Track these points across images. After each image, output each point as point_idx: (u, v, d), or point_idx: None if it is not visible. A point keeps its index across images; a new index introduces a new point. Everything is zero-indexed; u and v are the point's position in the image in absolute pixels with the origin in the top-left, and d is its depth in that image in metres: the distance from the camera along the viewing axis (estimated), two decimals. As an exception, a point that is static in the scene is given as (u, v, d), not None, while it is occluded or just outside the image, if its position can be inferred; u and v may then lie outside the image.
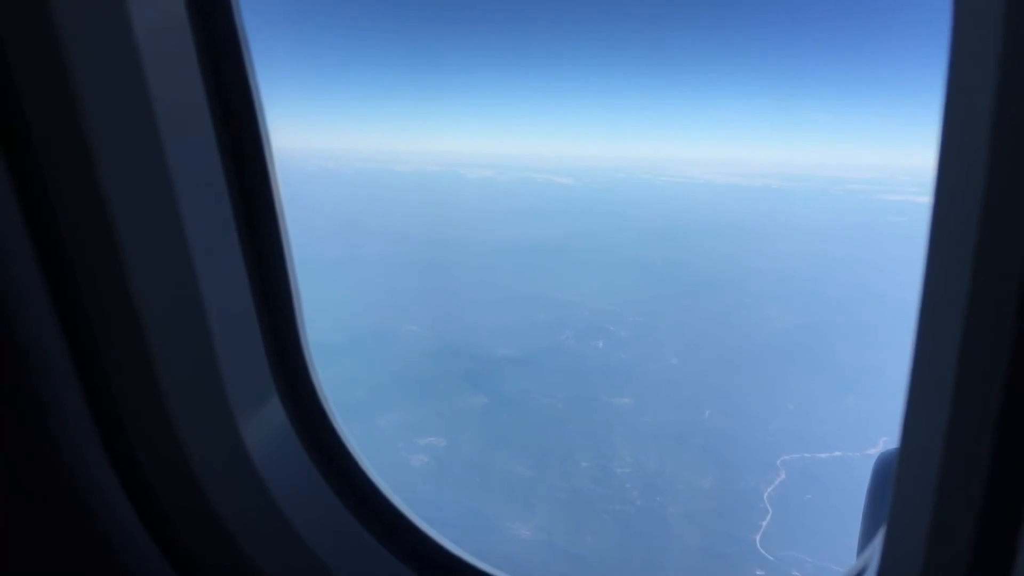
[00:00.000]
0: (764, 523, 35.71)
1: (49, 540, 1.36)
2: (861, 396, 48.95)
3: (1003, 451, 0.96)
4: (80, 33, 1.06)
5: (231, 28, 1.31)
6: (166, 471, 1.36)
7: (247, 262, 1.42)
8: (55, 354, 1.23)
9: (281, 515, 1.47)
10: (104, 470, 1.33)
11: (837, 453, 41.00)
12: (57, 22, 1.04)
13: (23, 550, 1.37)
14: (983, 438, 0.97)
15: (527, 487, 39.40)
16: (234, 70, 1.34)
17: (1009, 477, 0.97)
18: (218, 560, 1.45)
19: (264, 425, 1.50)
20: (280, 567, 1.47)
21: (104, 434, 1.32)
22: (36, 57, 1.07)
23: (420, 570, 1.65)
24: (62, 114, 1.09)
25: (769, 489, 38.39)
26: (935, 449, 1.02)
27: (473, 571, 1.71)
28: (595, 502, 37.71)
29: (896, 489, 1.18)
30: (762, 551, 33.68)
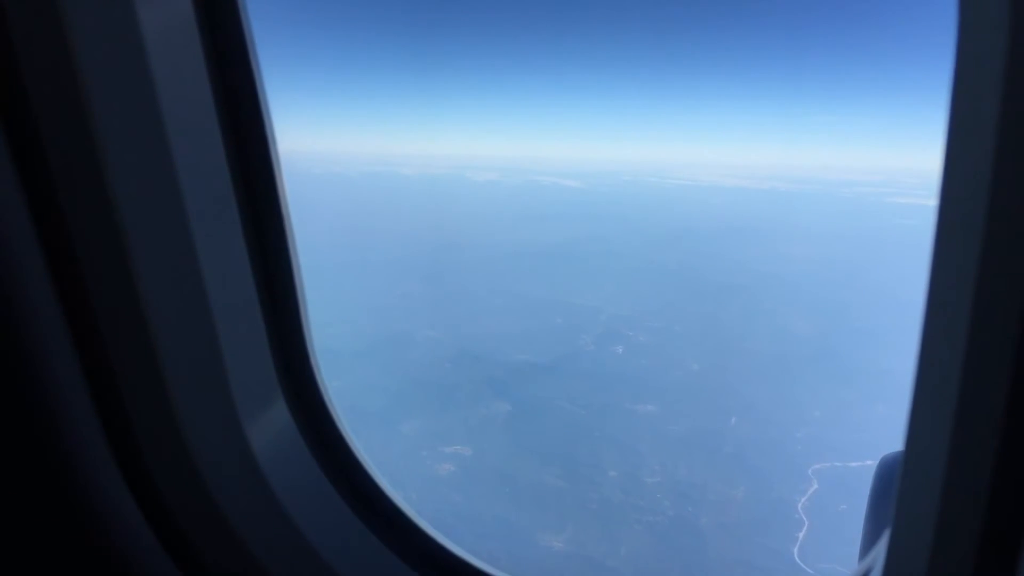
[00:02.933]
0: (800, 534, 35.12)
1: (54, 540, 1.35)
2: (889, 403, 48.29)
3: (1007, 454, 0.96)
4: (88, 34, 1.07)
5: (238, 29, 1.31)
6: (172, 471, 1.36)
7: (253, 263, 1.42)
8: (61, 354, 1.23)
9: (286, 516, 1.47)
10: (110, 471, 1.33)
11: (869, 462, 40.26)
12: (66, 23, 1.05)
13: (28, 550, 1.37)
14: (988, 441, 0.97)
15: (557, 497, 38.88)
16: (241, 71, 1.33)
17: (1014, 480, 0.97)
18: (223, 560, 1.44)
19: (269, 427, 1.49)
20: (284, 568, 1.47)
21: (110, 435, 1.32)
22: (45, 57, 1.08)
23: (423, 571, 1.63)
24: (70, 115, 1.10)
25: (803, 499, 37.80)
26: (940, 452, 1.01)
27: (476, 572, 1.69)
28: (627, 512, 37.15)
29: (900, 492, 1.17)
30: (800, 564, 33.08)
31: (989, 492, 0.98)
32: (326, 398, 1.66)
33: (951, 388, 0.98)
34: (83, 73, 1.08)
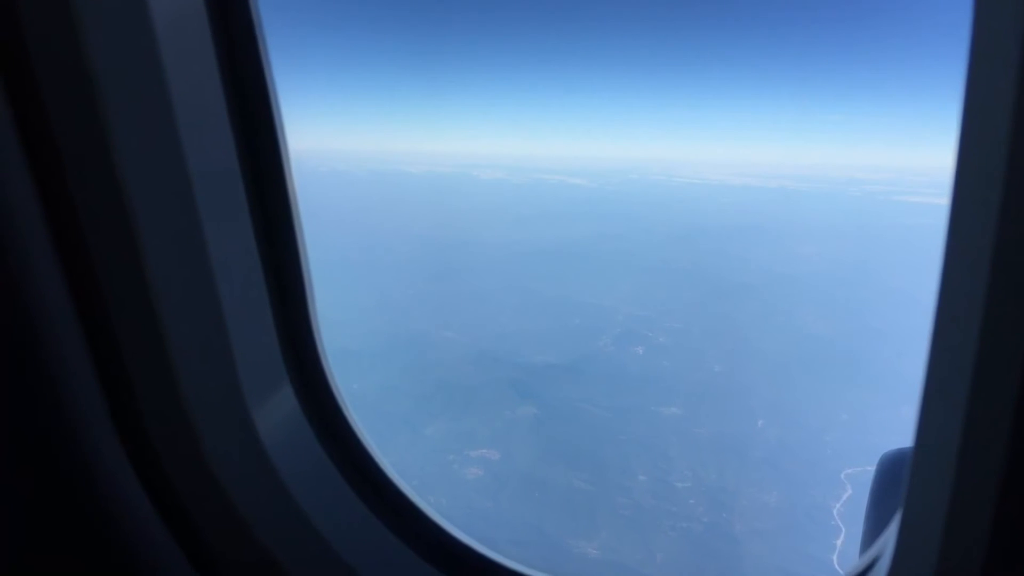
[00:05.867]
0: (839, 542, 34.48)
1: (61, 526, 1.36)
2: (914, 405, 47.39)
3: (1018, 448, 0.97)
4: (99, 26, 1.08)
5: (248, 25, 1.32)
6: (179, 458, 1.37)
7: (260, 252, 1.44)
8: (70, 342, 1.24)
9: (292, 502, 1.48)
10: (118, 457, 1.35)
11: (901, 467, 39.59)
12: (77, 18, 1.06)
13: (36, 538, 1.37)
14: (998, 435, 0.97)
15: (588, 502, 38.31)
16: (251, 62, 1.35)
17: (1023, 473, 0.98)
18: (229, 546, 1.46)
19: (276, 413, 1.50)
20: (290, 554, 1.48)
21: (118, 421, 1.33)
22: (55, 49, 1.08)
23: (430, 558, 1.65)
24: (81, 106, 1.11)
25: (838, 505, 37.17)
26: (950, 445, 1.02)
27: (481, 559, 1.69)
28: (660, 519, 36.57)
29: (910, 485, 1.19)
30: (841, 572, 32.39)
31: (999, 485, 0.99)
32: (333, 386, 1.66)
33: (962, 382, 0.98)
34: (94, 65, 1.08)
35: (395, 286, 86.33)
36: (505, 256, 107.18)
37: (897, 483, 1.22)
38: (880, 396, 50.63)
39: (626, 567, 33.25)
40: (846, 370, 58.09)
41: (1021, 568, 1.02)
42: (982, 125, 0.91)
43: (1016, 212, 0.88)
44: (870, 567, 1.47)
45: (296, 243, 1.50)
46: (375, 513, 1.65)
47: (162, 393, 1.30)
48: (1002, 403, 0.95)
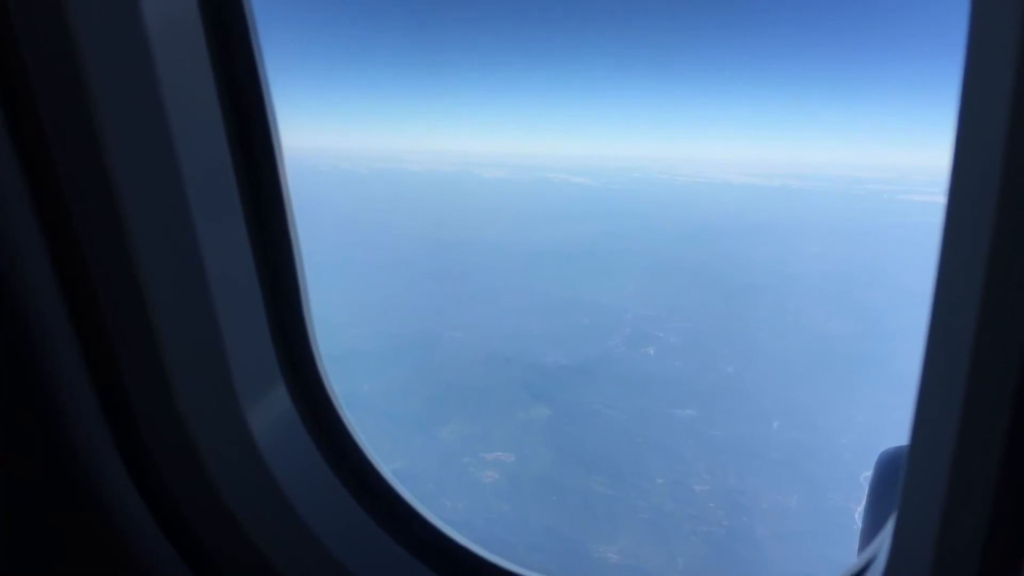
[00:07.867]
0: (861, 546, 34.12)
1: (54, 526, 1.37)
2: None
3: (1014, 446, 0.97)
4: (92, 28, 1.08)
5: (242, 23, 1.33)
6: (173, 457, 1.38)
7: (254, 252, 1.44)
8: (63, 341, 1.24)
9: (286, 501, 1.48)
10: (110, 456, 1.35)
11: (920, 469, 39.19)
12: (69, 16, 1.06)
13: (29, 538, 1.38)
14: (994, 433, 0.97)
15: (606, 506, 37.92)
16: (244, 64, 1.35)
17: (1020, 473, 0.98)
18: (223, 545, 1.46)
19: (270, 412, 1.51)
20: (284, 552, 1.48)
21: (111, 420, 1.33)
22: (48, 52, 1.09)
23: (424, 557, 1.66)
24: (74, 109, 1.11)
25: (859, 508, 36.67)
26: (946, 444, 1.02)
27: (476, 559, 1.71)
28: (681, 523, 36.18)
29: (906, 483, 1.18)
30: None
31: (995, 483, 0.98)
32: (327, 385, 1.66)
33: (958, 380, 0.98)
34: (87, 68, 1.08)
35: (400, 286, 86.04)
36: (510, 255, 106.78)
37: (895, 481, 1.20)
38: (893, 397, 50.19)
39: (648, 572, 32.90)
40: (858, 370, 57.76)
41: (1017, 567, 1.01)
42: (979, 123, 0.91)
43: (1012, 211, 0.87)
44: (867, 567, 1.45)
45: (290, 243, 1.49)
46: (369, 513, 1.65)
47: (155, 393, 1.30)
48: (998, 401, 0.95)
